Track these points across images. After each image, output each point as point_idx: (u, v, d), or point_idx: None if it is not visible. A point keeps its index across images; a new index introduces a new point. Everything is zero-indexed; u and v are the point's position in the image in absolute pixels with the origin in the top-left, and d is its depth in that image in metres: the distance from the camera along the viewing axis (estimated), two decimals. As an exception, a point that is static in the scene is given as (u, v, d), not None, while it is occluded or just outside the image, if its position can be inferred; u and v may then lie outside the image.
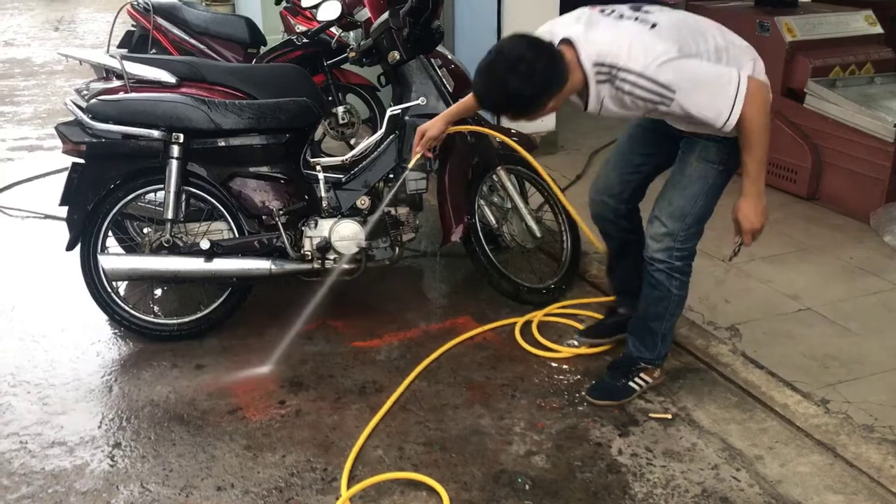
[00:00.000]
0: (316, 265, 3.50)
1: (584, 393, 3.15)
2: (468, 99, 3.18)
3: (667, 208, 2.88)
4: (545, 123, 5.57)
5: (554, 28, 2.69)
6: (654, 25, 2.60)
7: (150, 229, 3.51)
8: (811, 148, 4.73)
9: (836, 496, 2.61)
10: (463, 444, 2.88)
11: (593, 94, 2.64)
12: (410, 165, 3.38)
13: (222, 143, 3.42)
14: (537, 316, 3.66)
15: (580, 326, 3.58)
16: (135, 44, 5.40)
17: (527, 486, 2.67)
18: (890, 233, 4.20)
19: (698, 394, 3.14)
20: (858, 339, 3.40)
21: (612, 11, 2.67)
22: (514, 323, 3.61)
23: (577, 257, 3.92)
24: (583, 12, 2.68)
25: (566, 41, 2.60)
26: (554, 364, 3.35)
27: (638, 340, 3.12)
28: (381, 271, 3.82)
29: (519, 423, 2.99)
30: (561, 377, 3.27)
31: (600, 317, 3.60)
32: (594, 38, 2.58)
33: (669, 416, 3.01)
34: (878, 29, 5.12)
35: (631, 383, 3.11)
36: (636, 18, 2.63)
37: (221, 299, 3.56)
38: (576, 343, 3.47)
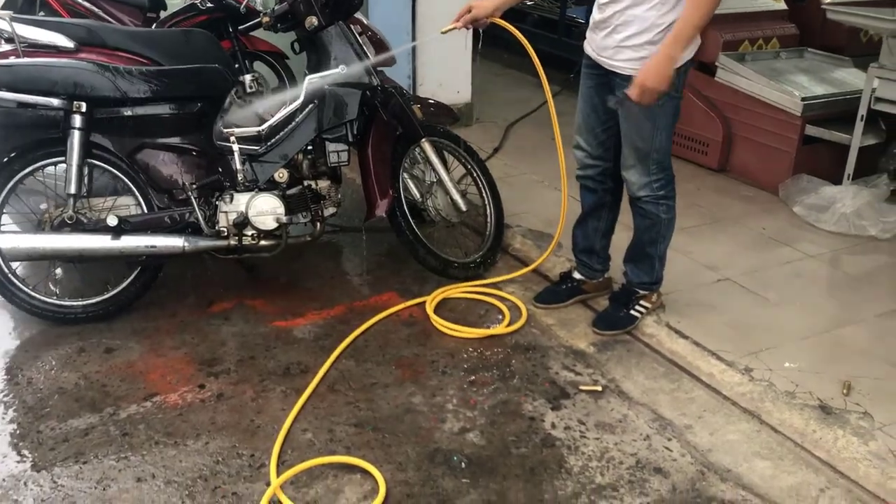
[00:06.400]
0: (232, 242, 3.34)
1: (591, 326, 3.36)
2: None
3: (630, 155, 3.06)
4: (461, 95, 5.49)
5: None
6: None
7: (47, 205, 3.27)
8: (722, 121, 4.83)
9: (763, 462, 2.66)
10: (395, 423, 2.80)
11: None
12: (444, 31, 3.34)
13: (128, 113, 3.24)
14: (439, 295, 3.57)
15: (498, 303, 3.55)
16: (21, 5, 5.00)
17: (463, 464, 2.62)
18: (799, 203, 4.32)
19: (626, 365, 3.16)
20: (775, 307, 3.49)
21: None
22: (435, 298, 3.54)
23: (501, 231, 3.88)
24: None
25: None
26: (482, 339, 3.31)
27: (636, 267, 3.31)
28: (301, 247, 3.68)
29: (451, 400, 2.93)
30: (490, 352, 3.22)
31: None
32: None
33: (599, 388, 3.01)
34: (782, 5, 5.26)
35: (632, 311, 3.32)
36: None
37: (130, 279, 3.37)
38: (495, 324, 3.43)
